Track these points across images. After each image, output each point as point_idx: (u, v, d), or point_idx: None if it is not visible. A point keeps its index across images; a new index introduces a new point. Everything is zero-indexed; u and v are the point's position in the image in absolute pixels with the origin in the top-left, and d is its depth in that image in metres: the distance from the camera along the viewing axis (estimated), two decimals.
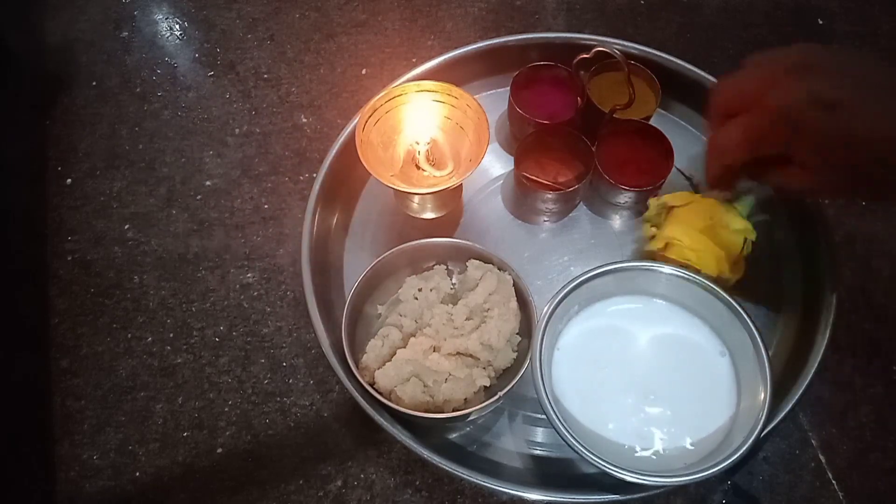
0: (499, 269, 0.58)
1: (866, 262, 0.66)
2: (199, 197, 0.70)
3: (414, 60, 0.75)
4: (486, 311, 0.56)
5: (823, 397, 0.60)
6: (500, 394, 0.52)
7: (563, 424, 0.49)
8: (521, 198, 0.66)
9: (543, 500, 0.53)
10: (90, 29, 0.80)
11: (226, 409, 0.61)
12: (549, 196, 0.63)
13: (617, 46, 0.64)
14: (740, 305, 0.52)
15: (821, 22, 0.80)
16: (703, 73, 0.68)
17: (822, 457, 0.58)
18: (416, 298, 0.58)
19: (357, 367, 0.54)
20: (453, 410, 0.53)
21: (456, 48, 0.70)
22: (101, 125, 0.74)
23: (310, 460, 0.58)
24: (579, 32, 0.76)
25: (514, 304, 0.56)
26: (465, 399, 0.54)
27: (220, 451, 0.59)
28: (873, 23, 0.80)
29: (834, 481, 0.58)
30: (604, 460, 0.47)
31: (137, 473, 0.58)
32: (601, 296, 0.56)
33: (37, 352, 0.63)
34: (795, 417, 0.59)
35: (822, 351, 0.57)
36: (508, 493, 0.53)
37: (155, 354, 0.63)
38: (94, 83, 0.77)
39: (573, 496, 0.52)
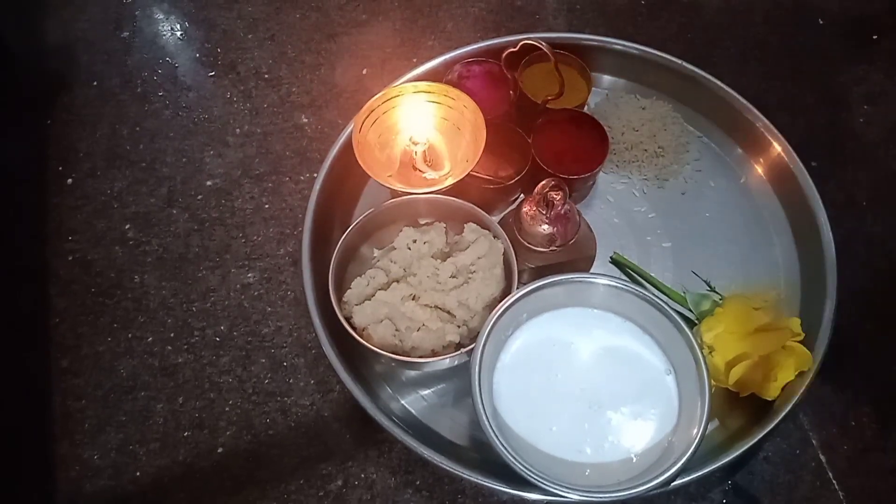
0: (494, 236, 0.58)
1: (866, 262, 0.66)
2: (199, 197, 0.70)
3: (415, 60, 0.75)
4: (471, 272, 0.57)
5: (823, 397, 0.60)
6: (463, 350, 0.53)
7: (498, 437, 0.48)
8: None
9: (543, 500, 0.53)
10: (90, 29, 0.80)
11: (226, 409, 0.61)
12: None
13: (547, 38, 0.62)
14: (688, 326, 0.52)
15: (821, 22, 0.80)
16: (704, 74, 0.69)
17: (822, 457, 0.58)
18: (409, 248, 0.59)
19: (339, 301, 0.56)
20: (419, 358, 0.54)
21: (456, 48, 0.70)
22: (101, 125, 0.74)
23: (310, 460, 0.58)
24: (580, 32, 0.76)
25: (498, 270, 0.57)
26: (433, 351, 0.55)
27: (220, 450, 0.59)
28: (873, 23, 0.80)
29: (834, 481, 0.58)
30: (540, 475, 0.47)
31: (138, 473, 0.58)
32: (551, 306, 0.55)
33: (37, 351, 0.63)
34: (796, 417, 0.59)
35: (822, 351, 0.57)
36: (508, 493, 0.53)
37: (155, 354, 0.63)
38: (94, 83, 0.77)
39: (573, 496, 0.52)
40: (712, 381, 0.51)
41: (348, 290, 0.57)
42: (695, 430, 0.49)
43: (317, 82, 0.76)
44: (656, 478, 0.47)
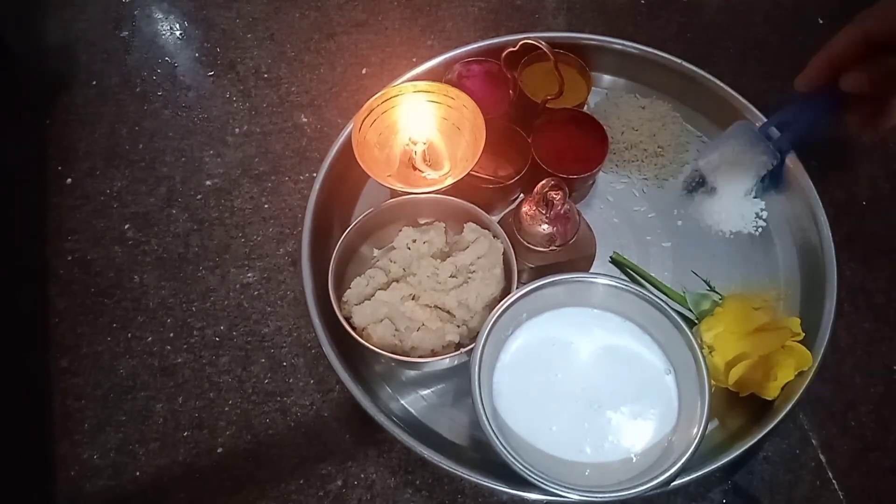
0: (494, 236, 0.58)
1: (866, 262, 0.66)
2: (199, 196, 0.70)
3: (414, 60, 0.75)
4: (471, 272, 0.57)
5: (823, 397, 0.60)
6: (463, 350, 0.53)
7: (498, 437, 0.48)
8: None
9: (543, 499, 0.53)
10: (90, 28, 0.80)
11: (226, 409, 0.61)
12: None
13: (546, 37, 0.61)
14: (687, 325, 0.52)
15: (821, 21, 0.80)
16: (703, 73, 0.68)
17: (822, 456, 0.58)
18: (409, 248, 0.59)
19: (339, 301, 0.56)
20: (419, 358, 0.54)
21: (456, 48, 0.70)
22: (101, 124, 0.74)
23: (310, 460, 0.58)
24: (580, 32, 0.76)
25: (498, 270, 0.57)
26: (433, 350, 0.55)
27: (220, 450, 0.59)
28: None
29: (834, 481, 0.58)
30: (540, 474, 0.47)
31: (137, 473, 0.58)
32: (551, 306, 0.55)
33: (37, 351, 0.63)
34: (795, 417, 0.59)
35: (821, 351, 0.57)
36: (508, 493, 0.53)
37: (155, 354, 0.63)
38: (93, 82, 0.77)
39: (573, 496, 0.52)
40: (712, 381, 0.51)
41: (348, 290, 0.57)
42: (695, 430, 0.49)
43: (316, 82, 0.76)
44: (656, 478, 0.47)
